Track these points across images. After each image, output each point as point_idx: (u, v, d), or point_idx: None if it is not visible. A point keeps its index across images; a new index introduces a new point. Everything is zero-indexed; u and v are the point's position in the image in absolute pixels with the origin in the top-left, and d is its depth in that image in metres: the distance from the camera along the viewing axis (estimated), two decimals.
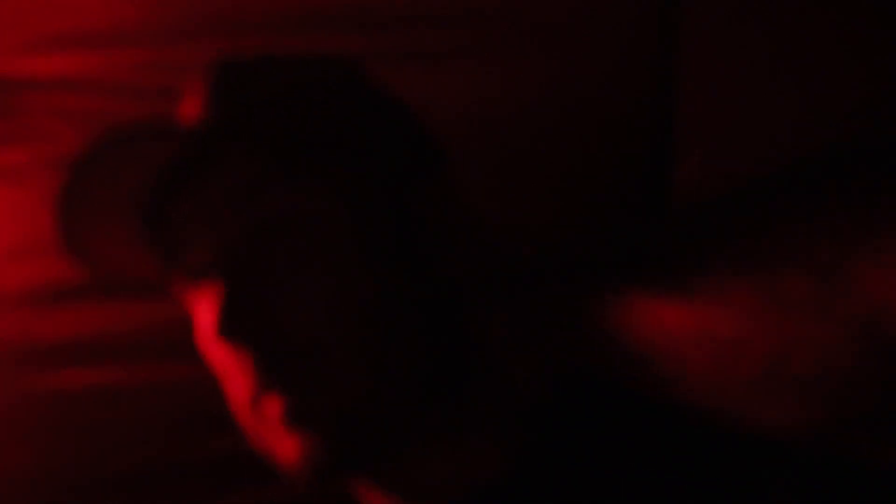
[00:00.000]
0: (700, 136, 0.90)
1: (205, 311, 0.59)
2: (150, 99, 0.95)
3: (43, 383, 0.92)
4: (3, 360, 0.92)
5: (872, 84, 0.84)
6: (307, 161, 0.57)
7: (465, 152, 0.65)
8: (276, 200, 0.57)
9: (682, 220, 0.57)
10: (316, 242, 0.57)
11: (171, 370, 0.94)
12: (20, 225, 0.93)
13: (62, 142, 0.95)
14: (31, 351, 0.92)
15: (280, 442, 0.56)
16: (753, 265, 0.45)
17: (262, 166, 0.57)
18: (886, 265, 0.41)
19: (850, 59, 0.85)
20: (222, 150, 0.57)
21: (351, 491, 0.63)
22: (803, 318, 0.43)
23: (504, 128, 0.91)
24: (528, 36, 0.92)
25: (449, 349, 0.59)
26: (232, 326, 0.55)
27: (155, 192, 0.58)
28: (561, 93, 0.92)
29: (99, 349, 0.93)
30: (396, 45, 0.92)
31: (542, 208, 0.89)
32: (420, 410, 0.58)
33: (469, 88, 0.92)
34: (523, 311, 0.56)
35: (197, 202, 0.58)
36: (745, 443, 0.56)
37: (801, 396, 0.44)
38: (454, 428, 0.59)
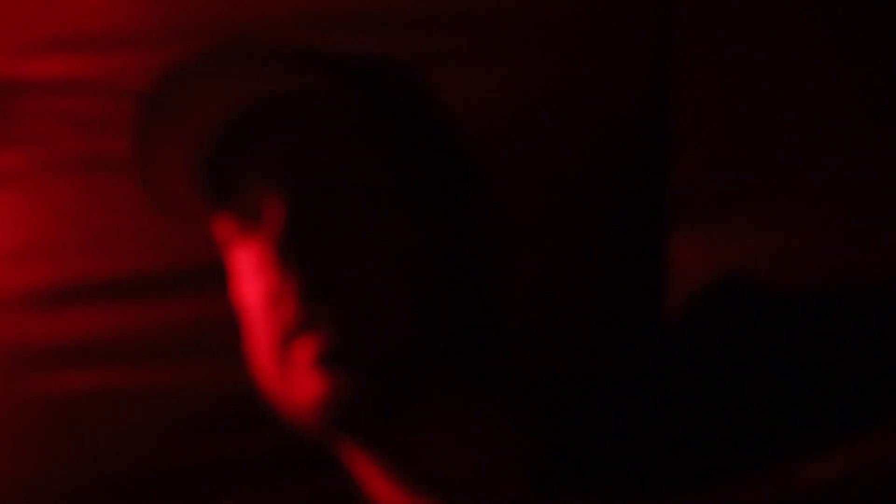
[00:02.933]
0: (698, 133, 0.90)
1: (242, 252, 0.61)
2: None
3: (41, 386, 0.92)
4: (1, 363, 0.92)
5: (867, 81, 0.84)
6: (380, 130, 0.60)
7: None
8: (346, 156, 0.59)
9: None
10: (373, 200, 0.59)
11: (169, 373, 0.93)
12: (19, 228, 0.93)
13: (61, 145, 0.95)
14: (29, 353, 0.92)
15: (303, 382, 0.57)
16: None
17: (341, 124, 0.60)
18: None
19: (844, 57, 0.85)
20: (300, 103, 0.59)
21: (353, 474, 0.63)
22: None
23: (502, 129, 0.91)
24: (526, 37, 0.92)
25: (481, 317, 0.61)
26: (292, 245, 0.56)
27: (224, 136, 0.60)
28: (559, 93, 0.92)
29: (97, 352, 0.93)
30: (395, 48, 0.92)
31: (540, 208, 0.89)
32: (450, 370, 0.59)
33: (467, 90, 0.92)
34: None
35: (270, 146, 0.59)
36: None
37: None
38: (475, 400, 0.60)
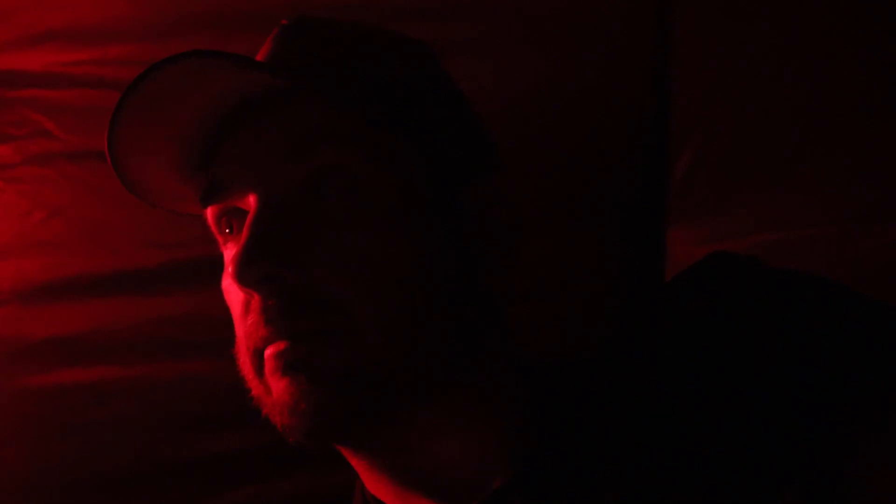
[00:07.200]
0: (696, 129, 0.90)
1: (228, 251, 0.59)
2: None
3: (34, 380, 0.92)
4: None
5: (865, 79, 0.84)
6: (366, 125, 0.57)
7: None
8: (326, 156, 0.56)
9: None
10: (354, 203, 0.56)
11: (162, 369, 0.93)
12: (10, 221, 0.93)
13: (52, 137, 0.94)
14: (22, 348, 0.92)
15: (273, 387, 0.55)
16: None
17: (321, 120, 0.56)
18: None
19: (842, 55, 0.85)
20: (286, 96, 0.56)
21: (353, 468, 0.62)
22: None
23: (499, 122, 0.91)
24: (524, 31, 0.92)
25: (479, 319, 0.59)
26: (244, 271, 0.53)
27: (209, 128, 0.57)
28: (556, 87, 0.92)
29: (90, 347, 0.93)
30: None
31: (539, 202, 0.89)
32: (439, 375, 0.56)
33: (465, 83, 0.92)
34: None
35: (249, 146, 0.56)
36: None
37: None
38: (469, 399, 0.58)
